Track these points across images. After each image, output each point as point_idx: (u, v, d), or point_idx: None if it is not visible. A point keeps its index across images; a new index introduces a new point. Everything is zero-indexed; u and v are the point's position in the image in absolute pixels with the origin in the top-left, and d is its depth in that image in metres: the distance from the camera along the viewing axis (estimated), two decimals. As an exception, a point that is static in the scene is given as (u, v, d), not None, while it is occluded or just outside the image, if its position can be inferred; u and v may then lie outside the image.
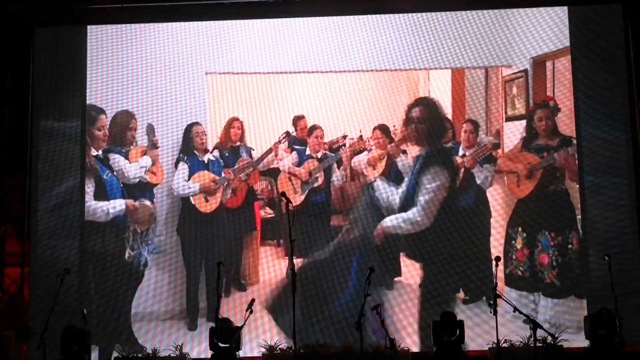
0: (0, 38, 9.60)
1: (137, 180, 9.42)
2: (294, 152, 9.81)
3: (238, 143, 9.76)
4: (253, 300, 7.67)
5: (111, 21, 9.59)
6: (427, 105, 9.05)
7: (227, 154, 9.71)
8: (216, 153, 9.69)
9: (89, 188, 9.31)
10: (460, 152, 9.49)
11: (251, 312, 7.58)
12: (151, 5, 9.53)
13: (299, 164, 9.77)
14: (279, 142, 9.70)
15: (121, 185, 9.36)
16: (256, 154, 9.74)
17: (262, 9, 9.53)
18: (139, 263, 9.32)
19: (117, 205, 9.27)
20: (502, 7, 9.57)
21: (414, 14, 9.62)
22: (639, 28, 9.26)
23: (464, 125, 9.60)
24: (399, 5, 9.58)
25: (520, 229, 9.21)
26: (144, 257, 9.32)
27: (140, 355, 8.77)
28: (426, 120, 8.91)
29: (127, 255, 9.27)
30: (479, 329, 8.85)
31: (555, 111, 9.29)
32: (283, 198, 7.34)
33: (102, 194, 9.31)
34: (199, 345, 9.06)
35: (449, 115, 9.85)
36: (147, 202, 9.43)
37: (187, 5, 9.50)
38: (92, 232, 9.30)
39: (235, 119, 9.74)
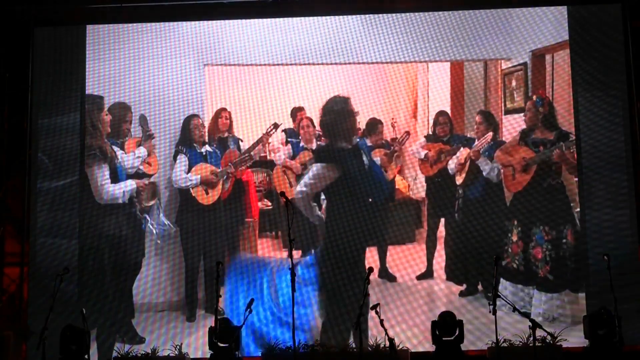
0: (-1, 38, 9.62)
1: (134, 170, 9.38)
2: (288, 145, 9.76)
3: (226, 134, 9.69)
4: (252, 300, 7.69)
5: (110, 20, 9.54)
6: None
7: (214, 145, 9.63)
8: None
9: (101, 173, 9.19)
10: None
11: (250, 311, 7.60)
12: (150, 5, 9.48)
13: (293, 156, 9.73)
14: (267, 133, 9.61)
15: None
16: (244, 145, 9.66)
17: (262, 8, 9.49)
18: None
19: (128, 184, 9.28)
20: (499, 6, 9.52)
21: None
22: (638, 28, 9.22)
23: (476, 117, 9.64)
24: (399, 5, 9.53)
25: (516, 222, 9.22)
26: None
27: (139, 355, 8.78)
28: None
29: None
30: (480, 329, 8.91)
31: (540, 106, 9.27)
32: (283, 197, 7.33)
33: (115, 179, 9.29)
34: (196, 341, 9.06)
35: (447, 109, 9.86)
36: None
37: (186, 5, 9.45)
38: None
39: (223, 109, 9.66)
